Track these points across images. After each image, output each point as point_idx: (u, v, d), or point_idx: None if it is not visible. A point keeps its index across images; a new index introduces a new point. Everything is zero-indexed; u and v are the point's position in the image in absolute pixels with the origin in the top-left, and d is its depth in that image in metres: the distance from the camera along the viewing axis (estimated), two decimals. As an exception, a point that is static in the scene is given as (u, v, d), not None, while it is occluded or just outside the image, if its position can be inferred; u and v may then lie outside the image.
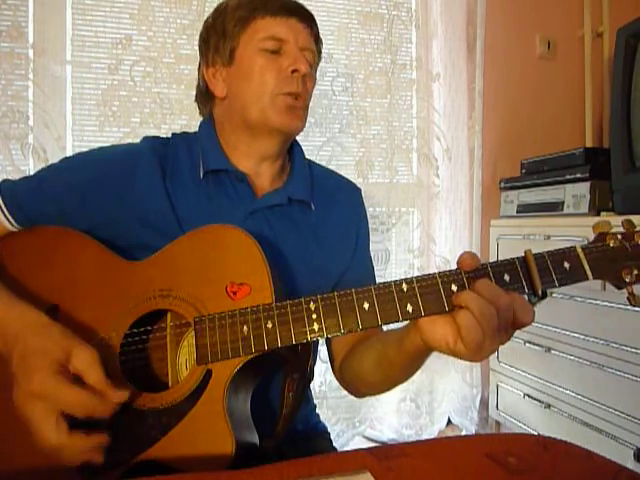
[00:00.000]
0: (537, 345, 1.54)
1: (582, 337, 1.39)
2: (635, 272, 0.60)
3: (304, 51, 0.80)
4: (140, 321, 0.69)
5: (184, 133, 0.88)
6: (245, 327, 0.62)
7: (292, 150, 0.91)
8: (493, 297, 0.55)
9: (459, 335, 0.55)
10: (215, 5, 0.86)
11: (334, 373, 0.90)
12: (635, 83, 1.40)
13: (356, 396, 0.88)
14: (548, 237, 1.49)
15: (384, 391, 0.81)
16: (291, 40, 0.79)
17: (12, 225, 0.76)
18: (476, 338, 0.54)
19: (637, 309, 1.20)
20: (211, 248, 0.68)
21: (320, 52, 0.89)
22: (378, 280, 0.95)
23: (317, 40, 0.86)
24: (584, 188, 1.47)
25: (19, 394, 0.58)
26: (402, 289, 0.59)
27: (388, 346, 0.70)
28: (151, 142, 0.83)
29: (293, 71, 0.78)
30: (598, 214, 1.44)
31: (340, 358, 0.86)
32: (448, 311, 0.58)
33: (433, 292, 0.58)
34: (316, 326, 0.61)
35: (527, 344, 1.57)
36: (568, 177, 1.54)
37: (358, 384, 0.83)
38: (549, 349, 1.50)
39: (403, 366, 0.70)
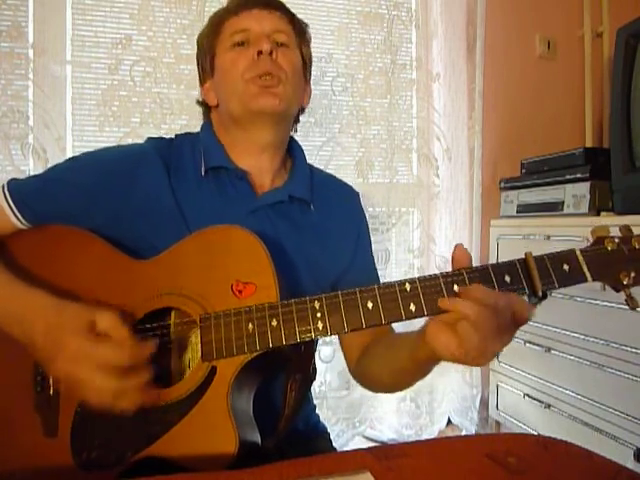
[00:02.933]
0: (537, 345, 1.54)
1: (582, 337, 1.39)
2: (632, 275, 0.61)
3: (274, 34, 0.82)
4: (146, 318, 0.69)
5: (188, 133, 0.89)
6: (250, 325, 0.63)
7: (293, 149, 0.92)
8: (490, 300, 0.56)
9: (460, 344, 0.56)
10: (215, 5, 0.88)
11: (350, 372, 0.91)
12: (635, 83, 1.40)
13: (374, 392, 0.91)
14: (548, 237, 1.49)
15: (397, 391, 0.85)
16: (255, 27, 0.82)
17: (22, 223, 0.77)
18: (475, 344, 0.56)
19: (637, 309, 1.20)
20: (217, 247, 0.69)
21: (303, 33, 0.89)
22: (378, 280, 0.96)
23: (292, 22, 0.87)
24: (584, 188, 1.47)
25: (58, 365, 0.61)
26: (405, 289, 0.60)
27: (400, 351, 0.71)
28: (155, 142, 0.84)
29: (259, 54, 0.80)
30: (598, 214, 1.44)
31: (355, 357, 0.87)
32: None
33: (436, 292, 0.60)
34: (320, 324, 0.61)
35: (527, 344, 1.57)
36: (568, 177, 1.54)
37: (372, 384, 0.86)
38: (549, 349, 1.50)
39: (413, 372, 0.72)
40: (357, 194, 0.98)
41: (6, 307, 0.67)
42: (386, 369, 0.78)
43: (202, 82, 0.90)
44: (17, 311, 0.66)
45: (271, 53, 0.80)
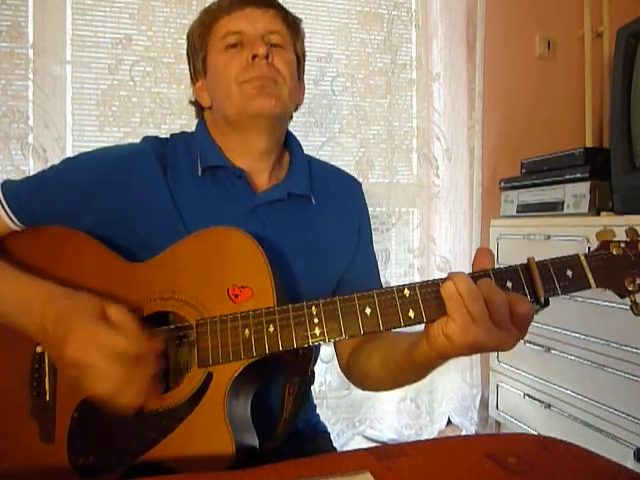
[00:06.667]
0: (537, 345, 1.54)
1: (582, 337, 1.39)
2: (638, 281, 0.59)
3: (267, 35, 0.81)
4: (143, 322, 0.68)
5: (182, 133, 0.89)
6: (247, 330, 0.62)
7: (289, 142, 0.90)
8: (488, 290, 0.55)
9: (451, 322, 0.56)
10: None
11: (340, 367, 0.90)
12: (635, 83, 1.40)
13: (362, 389, 0.88)
14: (548, 237, 1.49)
15: (391, 389, 0.82)
16: (249, 29, 0.80)
17: (15, 224, 0.76)
18: (463, 317, 0.55)
19: None
20: (213, 250, 0.68)
21: (296, 30, 0.87)
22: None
23: (286, 20, 0.85)
24: (584, 188, 1.47)
25: (67, 351, 0.59)
26: (404, 294, 0.59)
27: (398, 350, 0.70)
28: (151, 142, 0.84)
29: (253, 57, 0.78)
30: (598, 214, 1.44)
31: (347, 353, 0.86)
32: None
33: (435, 298, 0.58)
34: (317, 330, 0.60)
35: (527, 344, 1.57)
36: (568, 177, 1.54)
37: (365, 380, 0.84)
38: (549, 349, 1.50)
39: (410, 371, 0.70)
40: (359, 184, 0.96)
41: (15, 294, 0.67)
42: (380, 365, 0.76)
43: (194, 80, 0.89)
44: (26, 297, 0.66)
45: (267, 57, 0.78)
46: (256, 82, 0.78)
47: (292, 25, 0.86)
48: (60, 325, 0.61)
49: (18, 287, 0.68)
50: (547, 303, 0.60)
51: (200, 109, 0.90)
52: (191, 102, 0.92)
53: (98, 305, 0.62)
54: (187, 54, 0.90)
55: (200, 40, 0.84)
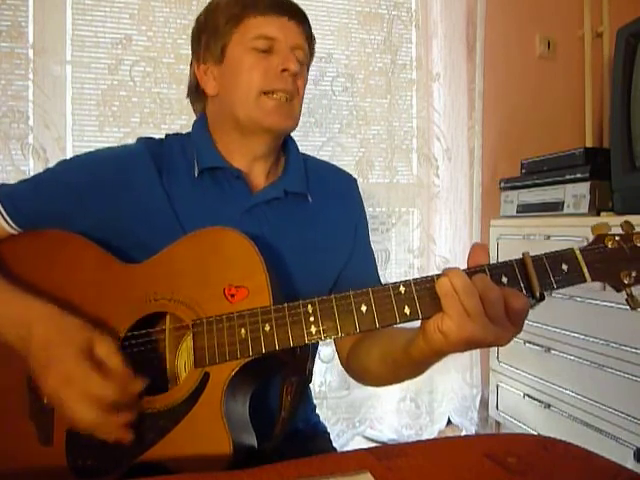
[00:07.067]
0: (537, 345, 1.54)
1: (582, 337, 1.39)
2: (633, 274, 0.59)
3: (295, 50, 0.80)
4: (139, 323, 0.68)
5: (177, 134, 0.88)
6: (243, 330, 0.62)
7: (286, 144, 0.90)
8: (484, 286, 0.55)
9: (444, 312, 0.56)
10: (215, 6, 0.86)
11: (341, 362, 0.90)
12: (635, 83, 1.40)
13: (363, 384, 0.88)
14: (548, 237, 1.49)
15: (391, 384, 0.82)
16: (282, 39, 0.79)
17: (12, 228, 0.76)
18: (458, 313, 0.55)
19: (638, 309, 1.20)
20: (209, 251, 0.68)
21: (313, 51, 0.88)
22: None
23: (310, 39, 0.85)
24: (584, 188, 1.47)
25: (49, 381, 0.61)
26: (400, 291, 0.59)
27: (395, 346, 0.70)
28: (146, 143, 0.83)
29: (283, 70, 0.78)
30: (598, 214, 1.44)
31: (347, 349, 0.86)
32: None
33: (430, 294, 0.58)
34: (314, 329, 0.61)
35: (527, 344, 1.57)
36: (568, 177, 1.54)
37: (365, 375, 0.84)
38: (549, 349, 1.50)
39: (408, 367, 0.70)
40: (354, 180, 0.96)
41: (6, 310, 0.67)
42: (379, 361, 0.76)
43: (201, 60, 0.84)
44: (17, 314, 0.66)
45: (294, 74, 0.79)
46: (276, 96, 0.78)
47: (311, 43, 0.86)
48: (43, 353, 0.62)
49: (9, 303, 0.68)
50: (542, 297, 0.60)
51: (199, 93, 0.86)
52: (193, 85, 0.88)
53: (86, 337, 0.62)
54: (197, 28, 0.85)
55: (225, 27, 0.81)
